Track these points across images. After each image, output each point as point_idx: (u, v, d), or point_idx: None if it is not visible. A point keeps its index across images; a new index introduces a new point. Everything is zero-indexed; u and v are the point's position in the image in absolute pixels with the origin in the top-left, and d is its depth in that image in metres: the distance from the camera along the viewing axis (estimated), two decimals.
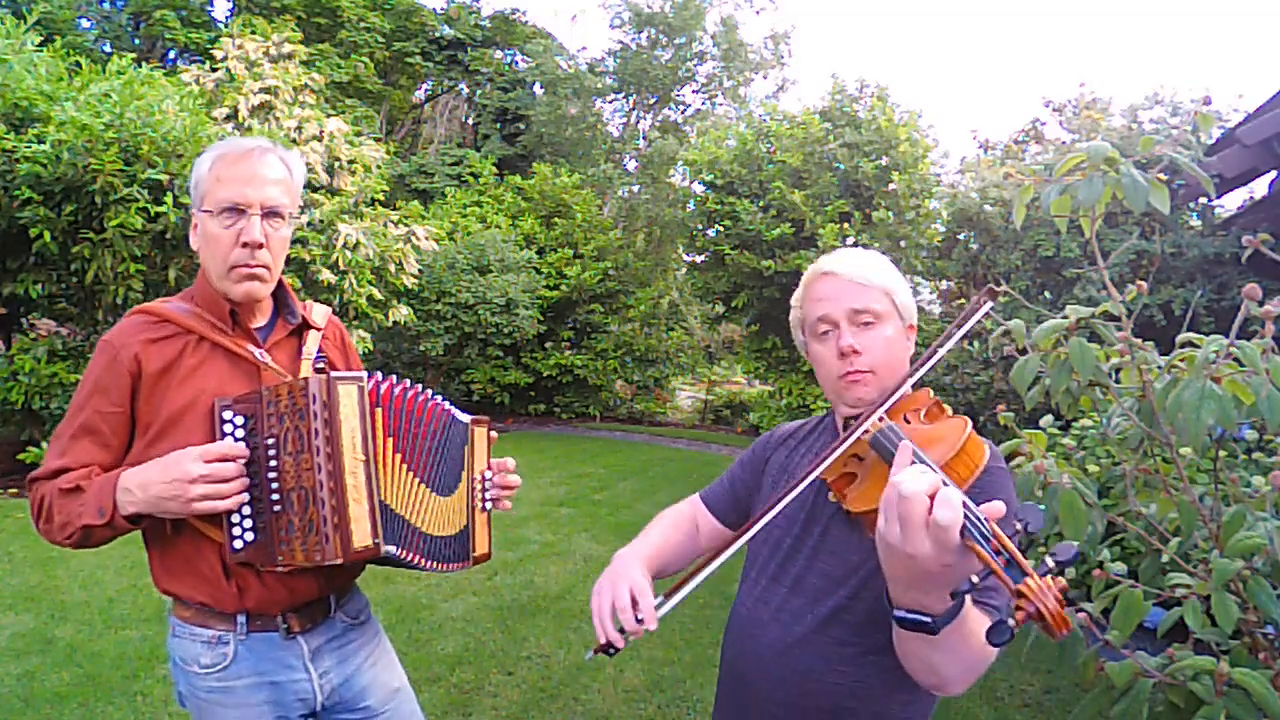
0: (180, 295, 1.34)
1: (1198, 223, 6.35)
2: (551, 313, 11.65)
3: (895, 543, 0.77)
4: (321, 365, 1.37)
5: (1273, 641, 1.41)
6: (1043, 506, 1.42)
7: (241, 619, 1.26)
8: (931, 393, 1.13)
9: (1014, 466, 1.56)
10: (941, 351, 0.99)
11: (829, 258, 1.19)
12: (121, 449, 1.24)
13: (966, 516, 0.74)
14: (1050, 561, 0.71)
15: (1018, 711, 3.03)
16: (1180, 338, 1.45)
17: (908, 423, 1.04)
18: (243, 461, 1.17)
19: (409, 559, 1.25)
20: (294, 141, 7.52)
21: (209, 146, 1.33)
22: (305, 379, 1.17)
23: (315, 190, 7.63)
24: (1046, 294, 6.33)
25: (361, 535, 1.15)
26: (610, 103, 16.92)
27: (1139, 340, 1.46)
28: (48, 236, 5.23)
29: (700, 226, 10.03)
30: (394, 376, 1.28)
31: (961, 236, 7.29)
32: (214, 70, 7.97)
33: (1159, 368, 1.45)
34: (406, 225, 8.42)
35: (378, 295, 7.76)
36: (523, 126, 17.51)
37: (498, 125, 18.41)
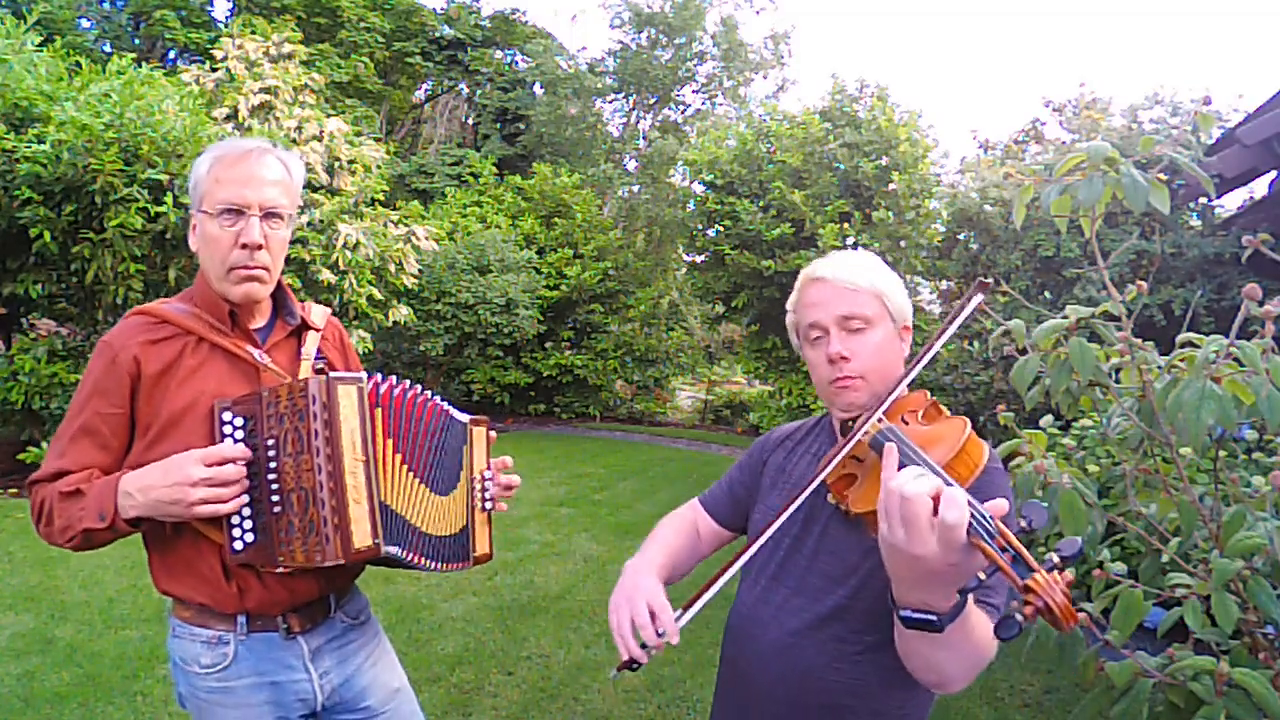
0: (179, 296, 1.34)
1: (1198, 223, 6.34)
2: (551, 313, 11.64)
3: (900, 544, 0.78)
4: (321, 366, 1.37)
5: (1273, 641, 1.41)
6: (1044, 505, 1.42)
7: (241, 619, 1.26)
8: (929, 394, 1.14)
9: (1014, 466, 1.56)
10: (937, 345, 0.99)
11: (820, 262, 1.20)
12: (121, 450, 1.24)
13: (972, 515, 0.76)
14: (1055, 557, 0.73)
15: (1018, 711, 3.03)
16: (1180, 338, 1.45)
17: (905, 424, 1.05)
18: (243, 463, 1.17)
19: (409, 559, 1.26)
20: (294, 142, 7.51)
21: (208, 147, 1.33)
22: (305, 380, 1.17)
23: (315, 190, 7.62)
24: (1046, 294, 6.32)
25: (362, 536, 1.15)
26: (610, 103, 16.93)
27: (1139, 340, 1.46)
28: (48, 236, 5.23)
29: (700, 226, 10.02)
30: (393, 377, 1.28)
31: (961, 236, 7.28)
32: (214, 70, 7.97)
33: (1159, 368, 1.45)
34: (406, 225, 8.41)
35: (378, 295, 7.76)
36: (523, 126, 17.51)
37: (498, 125, 18.41)
